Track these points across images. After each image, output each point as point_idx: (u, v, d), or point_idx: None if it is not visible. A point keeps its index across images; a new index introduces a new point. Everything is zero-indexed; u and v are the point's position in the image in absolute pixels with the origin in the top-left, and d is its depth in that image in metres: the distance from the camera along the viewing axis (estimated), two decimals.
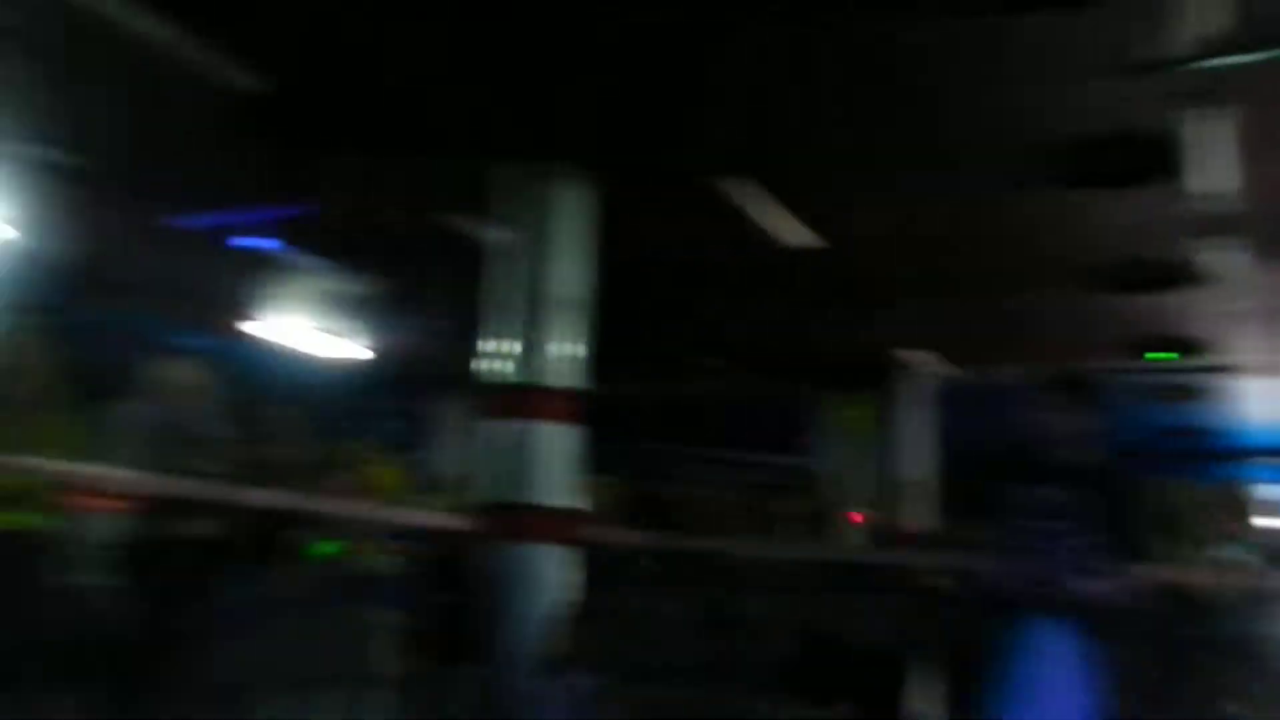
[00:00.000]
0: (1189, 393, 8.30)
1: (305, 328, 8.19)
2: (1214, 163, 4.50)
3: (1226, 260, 5.71)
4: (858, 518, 8.90)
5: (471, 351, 5.28)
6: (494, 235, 5.34)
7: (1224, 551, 5.44)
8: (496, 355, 5.08)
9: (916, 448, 9.45)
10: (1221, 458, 8.27)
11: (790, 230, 6.01)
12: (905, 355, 9.21)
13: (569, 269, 5.18)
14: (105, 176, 5.78)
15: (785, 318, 8.06)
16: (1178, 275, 5.92)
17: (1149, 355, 7.29)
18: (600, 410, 5.37)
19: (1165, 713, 4.11)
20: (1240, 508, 6.32)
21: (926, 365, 9.31)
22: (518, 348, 5.01)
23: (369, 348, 9.27)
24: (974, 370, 9.13)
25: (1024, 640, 3.22)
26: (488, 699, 5.07)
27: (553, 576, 4.84)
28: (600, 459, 5.58)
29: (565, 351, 5.09)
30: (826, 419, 10.21)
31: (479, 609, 5.03)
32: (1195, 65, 3.78)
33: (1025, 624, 3.22)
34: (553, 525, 4.89)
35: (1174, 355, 7.48)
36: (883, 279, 6.95)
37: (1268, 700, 4.33)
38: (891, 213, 5.80)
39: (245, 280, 7.60)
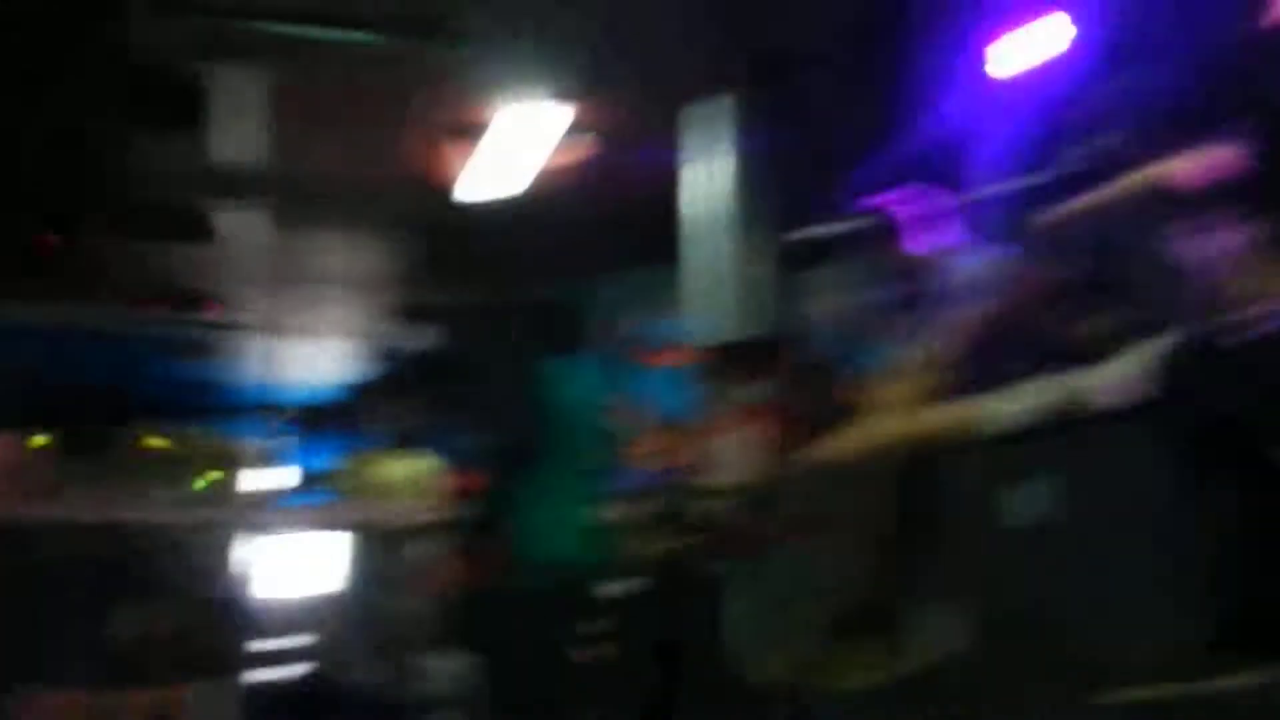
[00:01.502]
0: (205, 348, 8.42)
1: None
2: (241, 121, 4.57)
3: (245, 219, 5.90)
4: None
5: None
6: None
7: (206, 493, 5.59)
8: None
9: None
10: (228, 410, 8.58)
11: None
12: None
13: None
14: None
15: None
16: (198, 227, 5.90)
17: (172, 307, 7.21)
18: None
19: None
20: (229, 455, 6.61)
21: None
22: None
23: None
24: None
25: None
26: None
27: None
28: None
29: None
30: None
31: None
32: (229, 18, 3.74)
33: None
34: None
35: (193, 308, 7.50)
36: None
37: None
38: None
39: None
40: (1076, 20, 4.94)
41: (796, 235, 5.91)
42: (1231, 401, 1.54)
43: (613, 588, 5.49)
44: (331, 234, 6.91)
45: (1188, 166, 2.16)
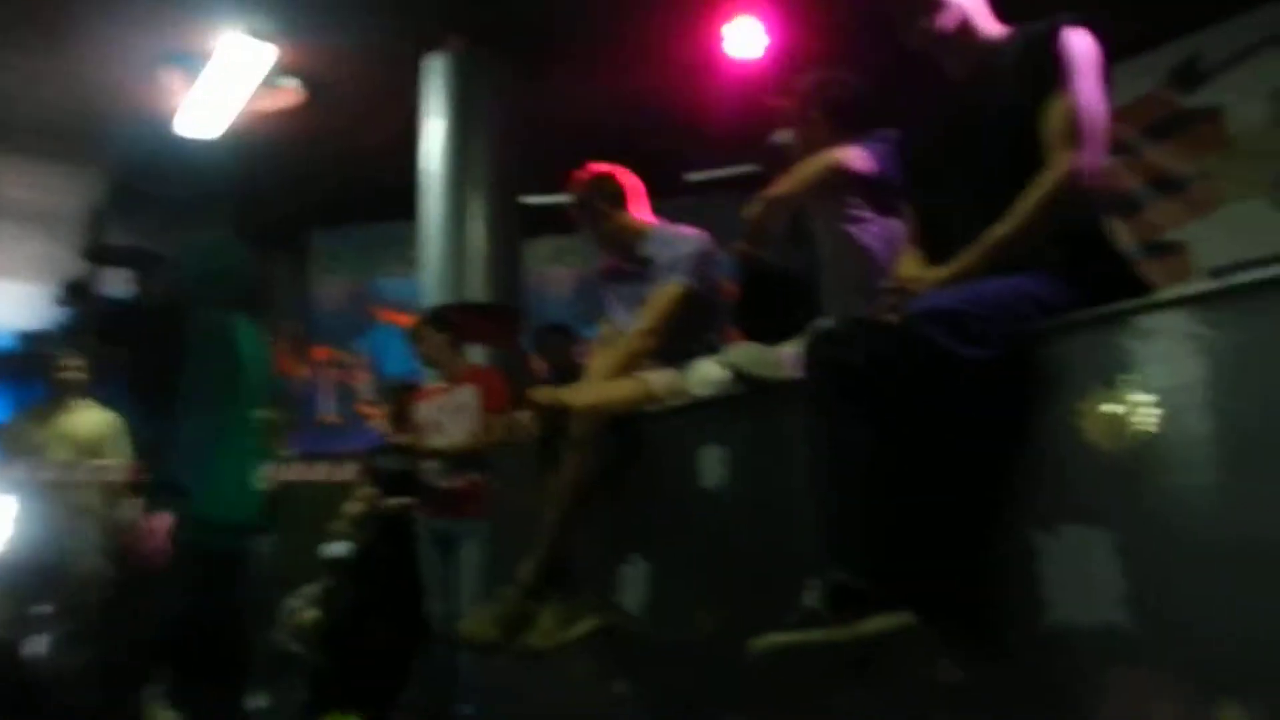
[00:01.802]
0: None
1: None
2: None
3: None
4: None
5: None
6: None
7: None
8: None
9: None
10: None
11: None
12: None
13: None
14: None
15: None
16: None
17: None
18: None
19: None
20: None
21: None
22: None
23: None
24: None
25: None
26: None
27: None
28: None
29: None
30: None
31: None
32: None
33: None
34: None
35: None
36: None
37: None
38: None
39: None
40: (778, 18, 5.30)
41: (530, 201, 5.94)
42: (879, 375, 1.70)
43: (333, 548, 5.36)
44: (13, 164, 6.20)
45: (855, 155, 2.36)
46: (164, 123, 5.52)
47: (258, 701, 5.54)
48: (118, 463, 4.36)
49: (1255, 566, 1.43)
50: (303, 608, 5.34)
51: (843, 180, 2.34)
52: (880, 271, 2.26)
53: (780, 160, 2.57)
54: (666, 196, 4.29)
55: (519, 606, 2.57)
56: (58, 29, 4.80)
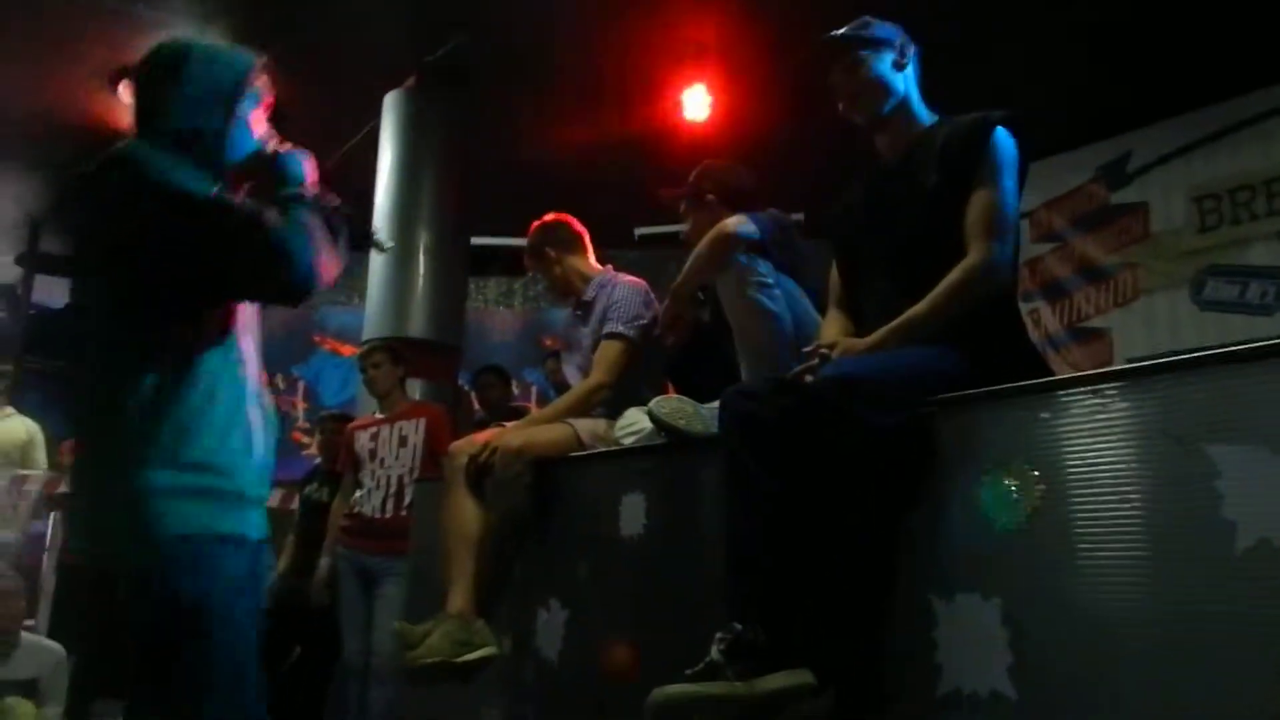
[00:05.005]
0: None
1: None
2: None
3: None
4: None
5: None
6: None
7: None
8: None
9: None
10: None
11: None
12: None
13: None
14: None
15: None
16: None
17: None
18: None
19: None
20: None
21: None
22: None
23: None
24: None
25: None
26: None
27: None
28: None
29: None
30: None
31: None
32: None
33: None
34: None
35: None
36: None
37: None
38: None
39: None
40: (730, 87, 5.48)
41: (480, 241, 6.00)
42: (790, 433, 1.76)
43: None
44: None
45: (739, 221, 2.47)
46: (117, 135, 5.47)
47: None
48: (38, 473, 4.26)
49: (1136, 640, 1.49)
50: None
51: (733, 246, 2.44)
52: (785, 335, 2.36)
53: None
54: (616, 248, 4.37)
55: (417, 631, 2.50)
56: (17, 34, 4.78)
